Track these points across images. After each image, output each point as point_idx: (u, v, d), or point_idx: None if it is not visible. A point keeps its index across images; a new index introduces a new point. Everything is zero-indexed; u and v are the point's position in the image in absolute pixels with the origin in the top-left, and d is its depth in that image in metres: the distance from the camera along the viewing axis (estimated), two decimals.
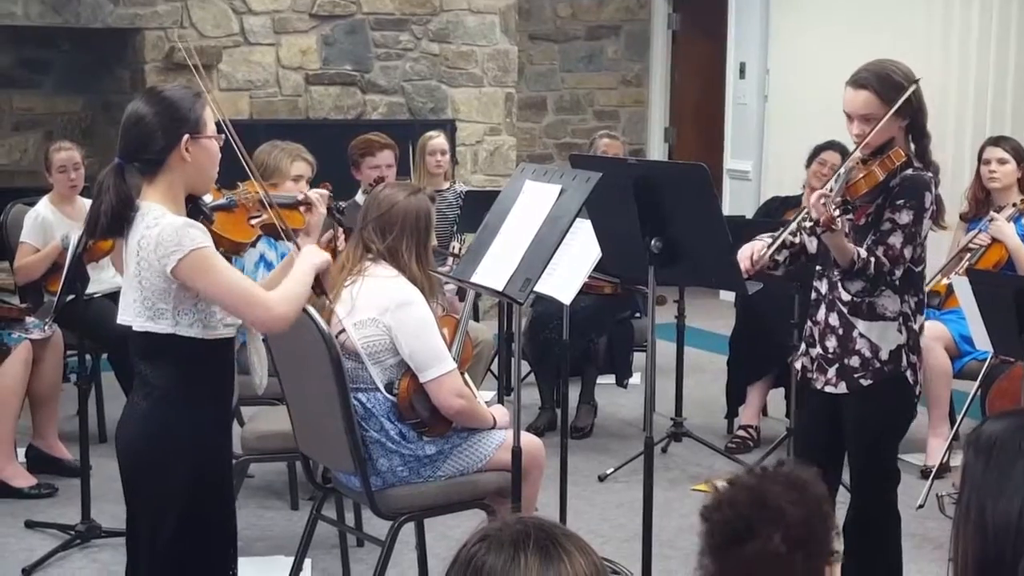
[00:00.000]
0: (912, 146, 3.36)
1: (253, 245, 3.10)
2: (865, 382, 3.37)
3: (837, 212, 3.20)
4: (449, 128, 7.47)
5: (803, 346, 3.52)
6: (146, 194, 2.80)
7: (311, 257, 2.97)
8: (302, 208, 3.16)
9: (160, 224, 2.72)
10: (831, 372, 3.42)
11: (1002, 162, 5.30)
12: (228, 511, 2.97)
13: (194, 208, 2.86)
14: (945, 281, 5.28)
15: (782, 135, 7.96)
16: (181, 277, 2.70)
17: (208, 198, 2.96)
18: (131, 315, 2.79)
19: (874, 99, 3.27)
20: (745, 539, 1.71)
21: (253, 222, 3.00)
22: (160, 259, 2.70)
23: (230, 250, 2.95)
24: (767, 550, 1.70)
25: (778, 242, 3.38)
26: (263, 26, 7.45)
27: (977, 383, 4.88)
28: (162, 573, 2.88)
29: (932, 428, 5.18)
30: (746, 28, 8.58)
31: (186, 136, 2.76)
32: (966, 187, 5.67)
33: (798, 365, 3.54)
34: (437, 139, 6.04)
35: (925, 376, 5.16)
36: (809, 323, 3.49)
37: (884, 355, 3.36)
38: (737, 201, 8.47)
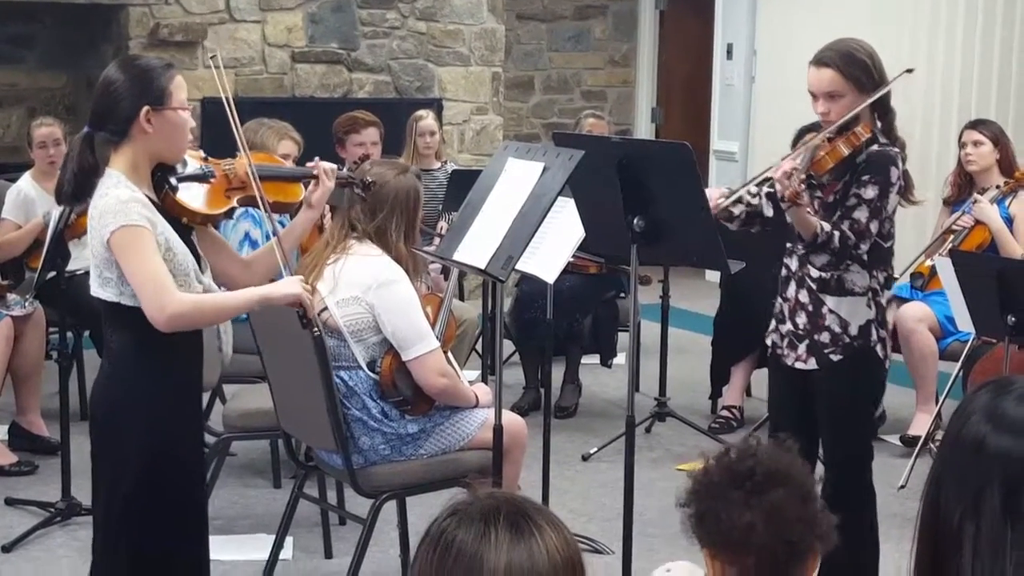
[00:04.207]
0: (878, 123, 3.38)
1: (228, 216, 3.07)
2: (835, 357, 3.39)
3: (803, 187, 3.21)
4: (436, 107, 7.44)
5: (773, 323, 3.53)
6: (112, 161, 2.82)
7: (278, 287, 2.91)
8: (306, 182, 3.13)
9: (109, 195, 2.75)
10: (801, 348, 3.44)
11: (977, 144, 5.32)
12: (191, 485, 2.94)
13: (160, 178, 2.86)
14: (928, 262, 5.30)
15: (769, 116, 7.95)
16: (112, 250, 2.73)
17: (193, 165, 2.95)
18: (92, 280, 2.83)
19: (838, 77, 3.30)
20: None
21: (230, 195, 2.98)
22: (101, 229, 2.74)
23: (194, 221, 2.91)
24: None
25: (735, 196, 3.43)
26: (249, 3, 7.40)
27: (959, 363, 4.90)
28: (113, 544, 2.88)
29: (919, 406, 5.21)
30: (734, 9, 8.57)
31: (146, 108, 2.77)
32: (951, 171, 5.69)
33: (768, 342, 3.56)
34: (426, 120, 6.02)
35: (911, 357, 5.22)
36: (779, 300, 3.52)
37: (853, 330, 3.38)
38: (723, 182, 8.45)
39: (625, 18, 9.58)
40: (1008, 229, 5.19)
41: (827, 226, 3.29)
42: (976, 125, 5.45)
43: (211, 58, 3.05)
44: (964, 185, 5.44)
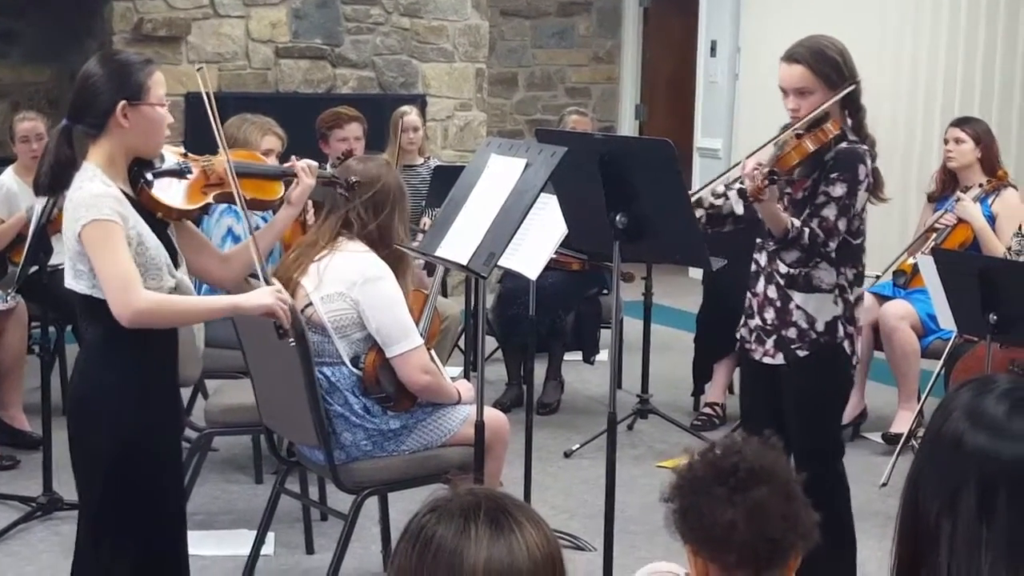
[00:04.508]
0: (848, 120, 3.40)
1: (203, 212, 3.07)
2: (802, 353, 3.42)
3: (765, 183, 3.23)
4: (420, 103, 7.43)
5: (743, 317, 3.56)
6: (89, 155, 2.83)
7: (250, 298, 2.92)
8: (288, 180, 3.14)
9: (83, 188, 2.77)
10: (769, 343, 3.46)
11: (958, 141, 5.35)
12: (166, 479, 2.95)
13: (136, 172, 2.87)
14: (911, 260, 5.32)
15: (752, 114, 7.95)
16: (82, 243, 2.74)
17: (172, 161, 2.95)
18: (66, 272, 2.84)
19: (808, 74, 3.33)
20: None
21: (207, 191, 2.98)
22: (73, 222, 2.75)
23: (168, 216, 2.92)
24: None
25: (697, 194, 3.45)
26: None
27: (941, 361, 4.92)
28: (93, 538, 2.89)
29: (901, 403, 5.23)
30: (718, 6, 8.58)
31: (123, 102, 2.78)
32: (935, 169, 5.71)
33: (738, 335, 3.58)
34: (409, 116, 6.01)
35: (893, 354, 5.25)
36: (749, 295, 3.54)
37: (820, 326, 3.40)
38: (707, 179, 8.42)
39: (609, 15, 9.59)
40: (990, 227, 5.21)
41: (797, 223, 3.31)
42: (960, 123, 5.47)
43: (198, 70, 3.04)
44: (948, 182, 5.46)
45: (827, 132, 3.32)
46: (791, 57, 3.37)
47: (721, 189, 3.44)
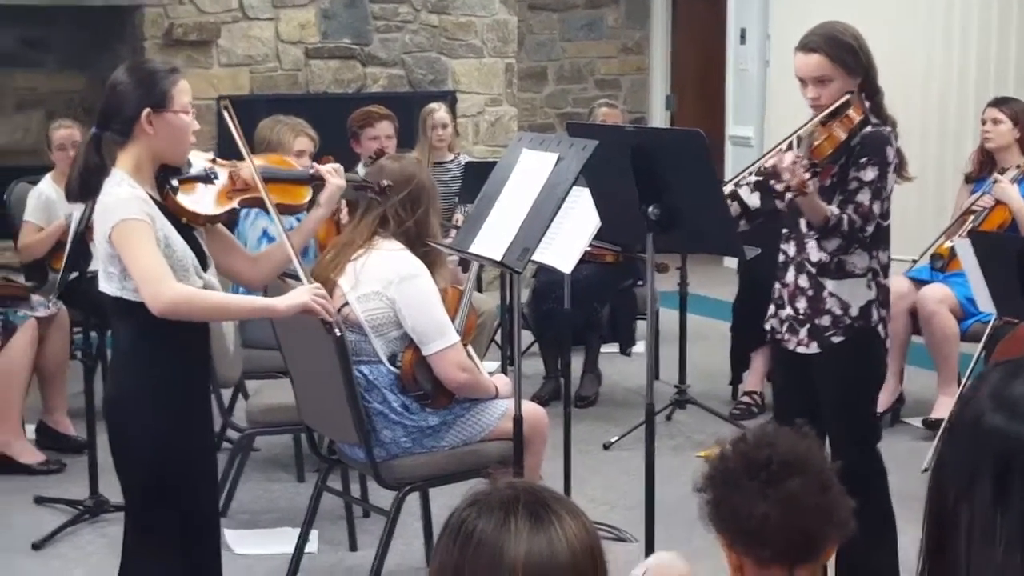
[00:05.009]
0: (867, 103, 3.39)
1: (231, 217, 3.11)
2: (836, 339, 3.40)
3: (808, 175, 3.23)
4: (449, 99, 7.46)
5: (772, 308, 3.54)
6: (118, 161, 2.90)
7: (285, 299, 2.97)
8: (315, 183, 3.18)
9: (112, 193, 2.83)
10: (802, 333, 3.45)
11: (996, 122, 5.30)
12: (200, 480, 2.99)
13: (162, 178, 2.93)
14: (948, 244, 5.28)
15: (783, 100, 7.89)
16: (113, 243, 2.80)
17: (199, 166, 2.99)
18: (100, 276, 2.91)
19: (825, 61, 3.33)
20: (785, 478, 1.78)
21: (233, 196, 3.02)
22: (103, 225, 2.82)
23: (194, 221, 2.97)
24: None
25: (736, 177, 3.42)
26: (262, 1, 7.42)
27: (981, 344, 4.88)
28: (136, 539, 2.95)
29: (941, 388, 5.20)
30: None
31: (147, 110, 2.84)
32: (970, 151, 5.66)
33: (767, 327, 3.57)
34: (438, 112, 6.03)
35: (932, 338, 5.21)
36: (778, 285, 3.53)
37: (854, 311, 3.39)
38: (739, 167, 8.38)
39: (637, 5, 9.57)
40: None
41: (836, 211, 3.30)
42: (998, 103, 5.42)
43: (224, 107, 3.11)
44: (986, 163, 5.41)
45: (852, 118, 3.31)
46: (806, 46, 3.36)
47: (730, 188, 3.42)
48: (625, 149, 3.33)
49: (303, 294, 2.95)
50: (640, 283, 5.73)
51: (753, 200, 3.48)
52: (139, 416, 2.87)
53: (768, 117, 8.33)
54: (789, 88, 8.31)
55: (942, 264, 5.33)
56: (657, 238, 3.35)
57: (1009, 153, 5.32)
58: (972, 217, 5.27)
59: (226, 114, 3.07)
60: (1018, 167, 5.28)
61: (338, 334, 3.06)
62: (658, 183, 3.31)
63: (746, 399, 5.56)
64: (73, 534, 4.26)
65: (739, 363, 5.69)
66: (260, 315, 3.13)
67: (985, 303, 4.36)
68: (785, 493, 1.79)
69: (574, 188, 3.27)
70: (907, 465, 4.53)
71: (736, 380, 5.72)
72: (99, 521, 4.32)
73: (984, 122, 5.36)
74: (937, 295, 5.18)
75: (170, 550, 2.90)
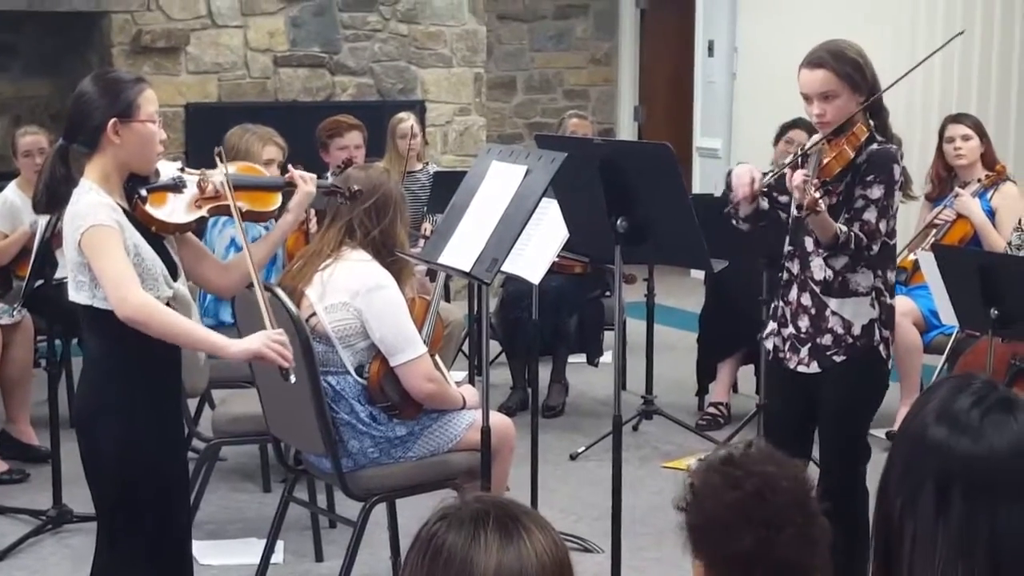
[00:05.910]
0: (872, 121, 3.39)
1: (198, 225, 3.11)
2: (838, 358, 3.39)
3: (819, 194, 3.21)
4: (419, 109, 7.45)
5: (774, 326, 3.53)
6: (86, 171, 2.89)
7: (239, 343, 2.91)
8: (286, 191, 3.18)
9: (81, 200, 2.83)
10: (804, 352, 3.43)
11: (966, 138, 5.34)
12: (171, 488, 2.98)
13: (131, 188, 2.92)
14: (911, 257, 5.33)
15: (751, 113, 7.98)
16: (82, 250, 2.80)
17: (168, 175, 2.99)
18: (69, 285, 2.90)
19: (832, 77, 3.31)
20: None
21: (202, 204, 3.01)
22: (73, 232, 2.82)
23: (163, 230, 2.96)
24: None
25: (769, 177, 3.36)
26: (230, 8, 7.40)
27: (944, 357, 4.93)
28: (108, 550, 2.93)
29: (904, 400, 5.24)
30: (714, 6, 8.59)
31: (113, 120, 2.84)
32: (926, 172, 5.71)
33: (769, 345, 3.55)
34: (406, 122, 6.02)
35: (896, 351, 5.24)
36: (780, 303, 3.51)
37: (856, 330, 3.38)
38: (707, 179, 8.49)
39: (606, 17, 9.61)
40: (990, 222, 5.22)
41: (845, 229, 3.28)
42: (959, 119, 5.46)
43: (217, 154, 3.08)
44: (945, 180, 5.46)
45: (858, 135, 3.30)
46: (813, 62, 3.33)
47: (770, 180, 3.40)
48: (594, 161, 3.35)
49: (256, 341, 2.87)
50: (608, 294, 5.75)
51: (763, 202, 3.47)
52: (110, 425, 2.86)
53: (736, 129, 8.40)
54: (756, 100, 8.41)
55: (906, 277, 5.38)
56: (625, 250, 3.36)
57: (973, 168, 5.37)
58: (935, 231, 5.33)
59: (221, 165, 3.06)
60: (979, 181, 5.34)
61: (293, 380, 2.98)
62: (627, 195, 3.32)
63: (712, 410, 5.59)
64: (36, 544, 4.23)
65: (705, 374, 5.72)
66: (210, 351, 3.03)
67: (948, 316, 4.40)
68: (773, 527, 1.74)
69: (543, 199, 3.28)
70: (869, 477, 4.57)
71: (702, 391, 5.75)
72: (62, 532, 4.29)
73: (952, 139, 5.38)
74: (901, 307, 5.19)
75: (142, 561, 2.89)
